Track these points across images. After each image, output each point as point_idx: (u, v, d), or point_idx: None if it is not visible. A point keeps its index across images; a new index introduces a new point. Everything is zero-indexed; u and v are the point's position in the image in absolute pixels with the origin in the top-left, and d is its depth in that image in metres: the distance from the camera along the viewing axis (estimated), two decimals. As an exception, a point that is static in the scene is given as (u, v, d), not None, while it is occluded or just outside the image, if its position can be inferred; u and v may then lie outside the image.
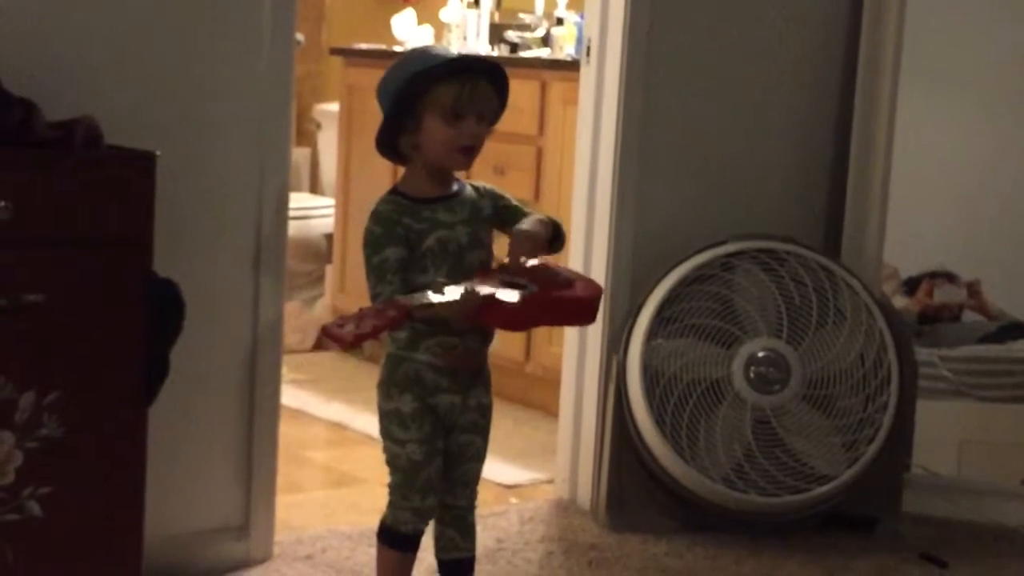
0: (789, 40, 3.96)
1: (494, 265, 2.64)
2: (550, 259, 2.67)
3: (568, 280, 2.62)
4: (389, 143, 2.62)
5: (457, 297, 2.39)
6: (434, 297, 2.38)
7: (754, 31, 3.91)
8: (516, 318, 2.53)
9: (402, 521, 2.65)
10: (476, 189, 2.67)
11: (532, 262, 2.59)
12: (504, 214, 2.67)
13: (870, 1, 3.92)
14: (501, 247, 2.67)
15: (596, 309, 2.66)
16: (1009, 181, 4.14)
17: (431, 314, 2.41)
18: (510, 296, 2.46)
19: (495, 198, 2.68)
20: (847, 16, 4.00)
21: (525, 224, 2.61)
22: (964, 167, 4.14)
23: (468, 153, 2.59)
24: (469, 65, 2.59)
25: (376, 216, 2.58)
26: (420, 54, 2.64)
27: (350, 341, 2.30)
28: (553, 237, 2.64)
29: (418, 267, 2.56)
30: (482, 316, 2.47)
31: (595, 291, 2.65)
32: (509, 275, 2.53)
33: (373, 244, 2.56)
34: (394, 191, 2.63)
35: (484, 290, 2.44)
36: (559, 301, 2.57)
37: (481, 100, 2.58)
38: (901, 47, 3.91)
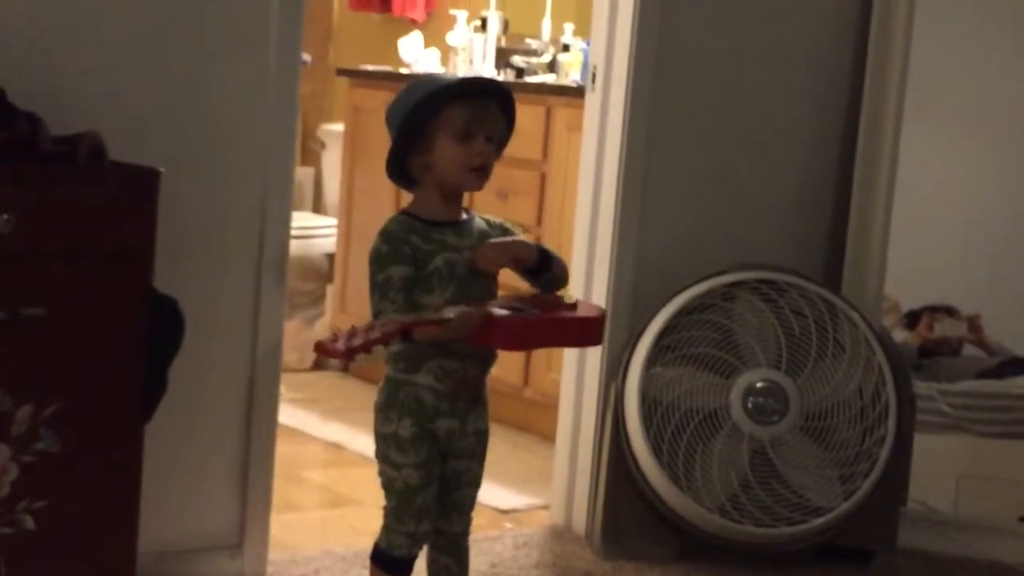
0: (793, 72, 3.97)
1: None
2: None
3: (572, 304, 2.63)
4: (399, 167, 2.63)
5: (453, 316, 2.40)
6: (431, 316, 2.38)
7: (758, 62, 3.92)
8: (516, 337, 2.53)
9: (396, 545, 2.65)
10: (487, 221, 2.68)
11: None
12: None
13: (875, 34, 3.93)
14: (507, 274, 2.68)
15: (602, 330, 2.66)
16: (1010, 216, 4.14)
17: (430, 333, 2.41)
18: (510, 315, 2.46)
19: (504, 231, 2.70)
20: (852, 48, 4.01)
21: (495, 240, 2.63)
22: (966, 201, 4.14)
23: (480, 173, 2.61)
24: (479, 87, 2.63)
25: (384, 234, 2.59)
26: (429, 79, 2.69)
27: (342, 352, 2.31)
28: (541, 267, 2.64)
29: (424, 287, 2.57)
30: (482, 336, 2.47)
31: (600, 313, 2.65)
32: (513, 303, 2.54)
33: (379, 262, 2.57)
34: (405, 212, 2.64)
35: (483, 311, 2.44)
36: (560, 322, 2.57)
37: (490, 121, 2.61)
38: (906, 81, 3.92)
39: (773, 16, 3.92)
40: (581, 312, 2.62)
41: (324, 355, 2.33)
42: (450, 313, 2.41)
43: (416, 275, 2.57)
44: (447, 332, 2.44)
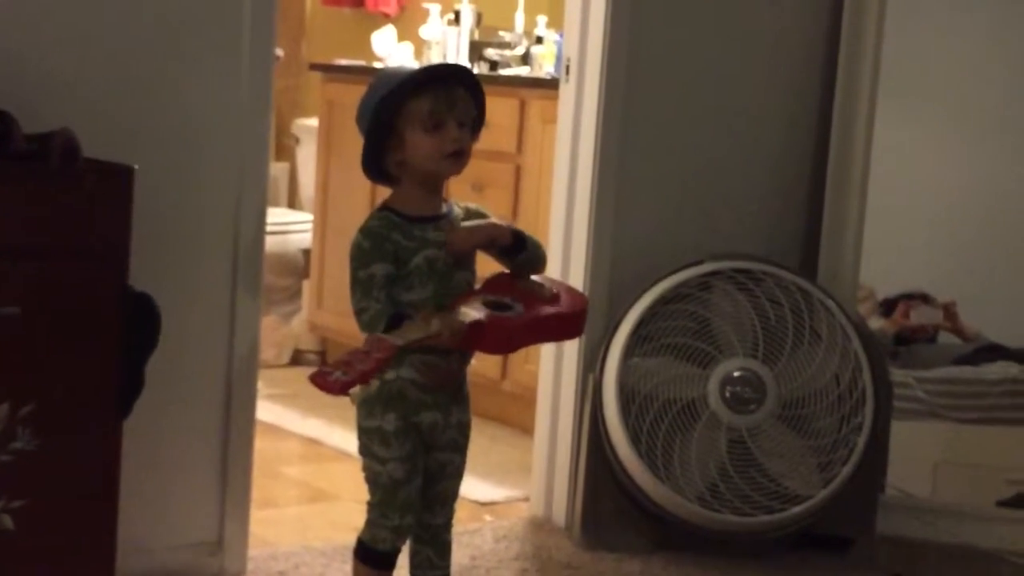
0: (768, 61, 3.98)
1: (476, 285, 2.64)
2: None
3: (553, 294, 2.62)
4: (375, 166, 2.63)
5: (440, 329, 2.39)
6: (420, 331, 2.36)
7: (732, 52, 3.92)
8: (503, 342, 2.52)
9: (380, 539, 2.65)
10: (464, 209, 2.68)
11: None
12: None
13: (848, 23, 3.94)
14: (483, 266, 2.68)
15: (583, 322, 2.66)
16: (985, 203, 4.16)
17: (415, 347, 2.41)
18: (497, 321, 2.45)
19: (480, 216, 2.69)
20: (825, 38, 4.02)
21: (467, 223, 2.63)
22: (941, 189, 4.15)
23: (457, 158, 2.60)
24: (438, 73, 2.62)
25: (366, 231, 2.58)
26: (389, 73, 2.68)
27: (338, 391, 2.28)
28: (515, 248, 2.63)
29: (404, 284, 2.57)
30: (470, 343, 2.46)
31: (580, 304, 2.65)
32: (492, 294, 2.53)
33: (360, 258, 2.56)
34: (385, 207, 2.63)
35: (469, 317, 2.43)
36: (545, 320, 2.57)
37: (458, 106, 2.60)
38: (879, 69, 3.93)
39: (745, 7, 3.93)
40: (564, 304, 2.61)
41: (320, 389, 2.28)
42: (437, 324, 2.39)
43: (397, 272, 2.56)
44: (436, 343, 2.43)
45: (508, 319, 2.47)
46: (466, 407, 2.71)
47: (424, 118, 2.57)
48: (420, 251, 2.58)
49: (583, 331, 2.71)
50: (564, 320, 2.60)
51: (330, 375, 2.26)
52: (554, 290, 2.63)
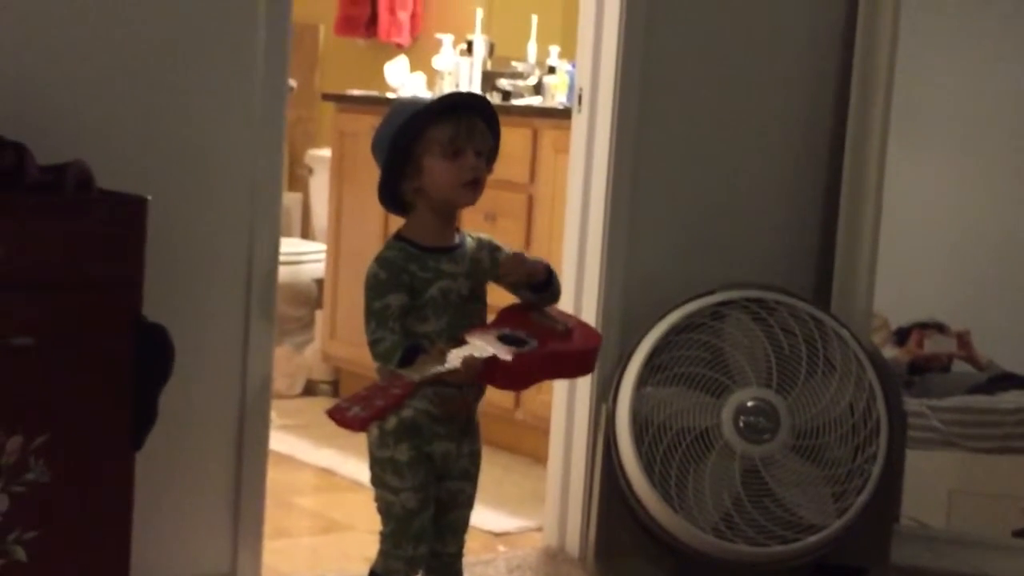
0: (780, 91, 3.99)
1: (490, 316, 2.64)
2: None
3: (567, 329, 2.62)
4: (390, 193, 2.63)
5: (459, 365, 2.38)
6: (437, 368, 2.36)
7: (744, 81, 3.93)
8: (518, 378, 2.52)
9: (393, 570, 2.65)
10: (478, 241, 2.68)
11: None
12: (499, 266, 2.69)
13: (860, 52, 3.95)
14: (496, 297, 2.68)
15: (595, 359, 2.66)
16: (998, 232, 4.15)
17: (434, 380, 2.40)
18: (510, 356, 2.45)
19: (492, 249, 2.70)
20: (837, 67, 4.02)
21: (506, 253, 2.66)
22: (954, 218, 4.14)
23: (474, 187, 2.61)
24: (458, 102, 2.63)
25: (382, 261, 2.58)
26: (408, 102, 2.68)
27: (357, 427, 2.27)
28: (547, 282, 2.66)
29: (419, 316, 2.57)
30: (485, 378, 2.46)
31: (594, 341, 2.65)
32: (507, 329, 2.53)
33: (376, 288, 2.56)
34: (400, 237, 2.63)
35: (485, 353, 2.42)
36: (559, 356, 2.56)
37: (477, 135, 2.61)
38: (891, 98, 3.93)
39: (758, 37, 3.94)
40: (577, 340, 2.61)
41: (338, 424, 2.27)
42: (455, 360, 2.39)
43: (412, 303, 2.57)
44: (453, 379, 2.43)
45: (523, 355, 2.47)
46: (476, 436, 2.71)
47: (444, 145, 2.58)
48: (435, 282, 2.59)
49: (593, 368, 2.71)
50: (578, 357, 2.60)
51: (348, 411, 2.25)
52: (568, 324, 2.64)
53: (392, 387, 2.30)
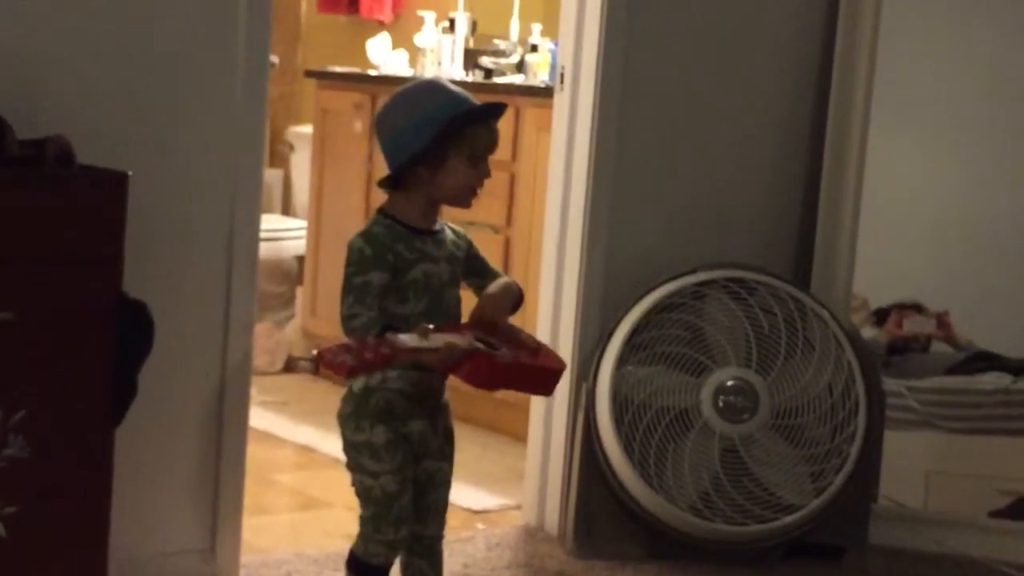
0: (763, 72, 3.99)
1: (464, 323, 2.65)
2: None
3: (535, 347, 2.64)
4: (397, 170, 2.62)
5: (441, 345, 2.39)
6: (421, 342, 2.37)
7: (728, 62, 3.93)
8: (488, 377, 2.52)
9: (374, 553, 2.65)
10: (454, 231, 2.69)
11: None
12: (471, 263, 2.71)
13: (842, 34, 3.95)
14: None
15: (557, 383, 2.67)
16: (978, 213, 4.17)
17: (412, 359, 2.41)
18: (488, 355, 2.46)
19: (469, 244, 2.71)
20: (819, 47, 4.03)
21: (494, 288, 2.65)
22: (934, 199, 4.16)
23: (475, 193, 2.65)
24: (496, 111, 2.65)
25: (369, 236, 2.57)
26: (443, 93, 2.63)
27: (344, 373, 2.32)
28: (516, 304, 2.69)
29: (398, 297, 2.57)
30: (457, 369, 2.46)
31: (561, 365, 2.66)
32: (481, 334, 2.54)
33: (359, 264, 2.55)
34: (386, 214, 2.63)
35: (465, 345, 2.44)
36: (529, 369, 2.58)
37: (496, 143, 2.65)
38: (873, 80, 3.94)
39: (741, 16, 3.94)
40: (543, 359, 2.63)
41: (326, 366, 2.32)
42: (438, 340, 2.40)
43: (392, 283, 2.56)
44: (430, 360, 2.43)
45: (500, 356, 2.49)
46: (449, 414, 2.73)
47: (476, 150, 2.60)
48: (419, 264, 2.59)
49: (553, 392, 2.74)
50: (546, 375, 2.62)
51: (338, 356, 2.29)
52: (535, 344, 2.65)
53: (380, 346, 2.32)
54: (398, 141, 2.60)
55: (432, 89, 2.65)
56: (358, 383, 2.61)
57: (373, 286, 2.54)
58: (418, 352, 2.37)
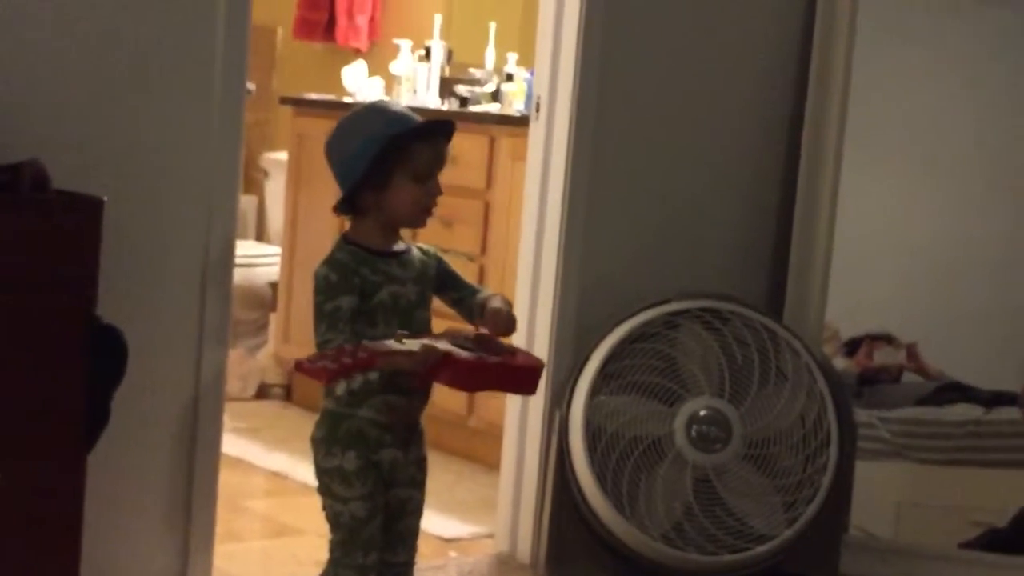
0: (736, 102, 4.01)
1: (440, 330, 2.65)
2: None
3: (512, 350, 2.64)
4: (348, 196, 2.62)
5: (418, 348, 2.40)
6: (396, 345, 2.38)
7: (702, 91, 3.95)
8: (468, 378, 2.53)
9: (343, 578, 2.64)
10: (422, 251, 2.69)
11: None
12: (444, 278, 2.70)
13: (816, 65, 3.98)
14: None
15: (539, 380, 2.68)
16: (949, 245, 4.19)
17: (389, 364, 2.41)
18: (467, 356, 2.47)
19: (438, 260, 2.71)
20: (793, 80, 4.05)
21: (497, 302, 2.65)
22: (905, 232, 4.18)
23: (429, 212, 2.63)
24: (440, 128, 2.63)
25: (333, 263, 2.58)
26: (385, 114, 2.63)
27: (325, 379, 2.33)
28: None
29: (368, 320, 2.56)
30: (436, 373, 2.46)
31: (540, 363, 2.67)
32: (458, 339, 2.54)
33: (327, 291, 2.55)
34: (348, 240, 2.63)
35: (442, 346, 2.44)
36: (508, 369, 2.58)
37: (444, 162, 2.63)
38: (846, 112, 3.97)
39: (715, 47, 3.96)
40: (521, 359, 2.64)
41: (306, 374, 2.32)
42: (414, 344, 2.41)
43: (361, 306, 2.57)
44: (408, 363, 2.43)
45: (478, 358, 2.49)
46: (422, 443, 2.72)
47: (420, 168, 2.58)
48: (385, 286, 2.59)
49: (536, 390, 2.74)
50: (526, 373, 2.63)
51: (317, 362, 2.30)
52: (513, 349, 2.66)
53: (359, 352, 2.33)
54: (344, 165, 2.60)
55: (373, 111, 2.65)
56: (331, 406, 2.61)
57: (343, 311, 2.54)
58: (396, 355, 2.37)
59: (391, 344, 2.38)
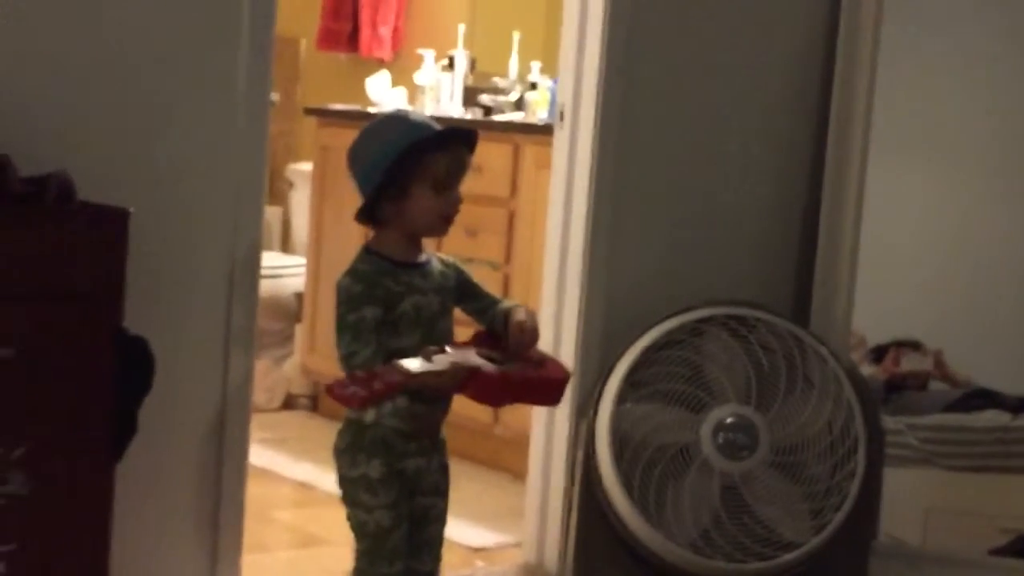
0: (761, 109, 4.00)
1: (464, 339, 2.65)
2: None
3: (540, 359, 2.64)
4: (368, 207, 2.63)
5: (447, 367, 2.40)
6: (426, 365, 2.37)
7: (725, 99, 3.94)
8: (496, 393, 2.53)
9: (370, 588, 2.64)
10: (442, 261, 2.69)
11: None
12: (465, 288, 2.70)
13: (841, 69, 3.97)
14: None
15: (564, 392, 2.68)
16: (975, 251, 4.17)
17: (420, 382, 2.41)
18: (493, 370, 2.47)
19: (459, 271, 2.71)
20: (818, 86, 4.04)
21: (520, 315, 2.65)
22: (932, 237, 4.17)
23: (450, 221, 2.63)
24: (459, 136, 2.62)
25: (356, 274, 2.58)
26: (404, 123, 2.63)
27: (357, 404, 2.31)
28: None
29: (391, 331, 2.56)
30: (464, 388, 2.47)
31: (566, 373, 2.68)
32: (484, 349, 2.54)
33: (350, 302, 2.55)
34: (371, 251, 2.63)
35: (470, 362, 2.44)
36: (537, 381, 2.59)
37: (465, 171, 2.62)
38: (871, 115, 3.95)
39: (738, 54, 3.96)
40: (549, 371, 2.64)
41: (337, 400, 2.31)
42: (443, 362, 2.40)
43: (384, 317, 2.57)
44: (437, 383, 2.43)
45: (504, 373, 2.49)
46: (445, 450, 2.73)
47: (439, 177, 2.58)
48: (408, 297, 2.59)
49: (561, 401, 2.74)
50: (553, 385, 2.63)
51: (347, 388, 2.28)
52: (539, 356, 2.66)
53: (388, 375, 2.32)
54: (363, 173, 2.61)
55: (393, 120, 2.66)
56: (354, 415, 2.61)
57: (368, 321, 2.54)
58: (425, 376, 2.37)
59: (419, 365, 2.37)
